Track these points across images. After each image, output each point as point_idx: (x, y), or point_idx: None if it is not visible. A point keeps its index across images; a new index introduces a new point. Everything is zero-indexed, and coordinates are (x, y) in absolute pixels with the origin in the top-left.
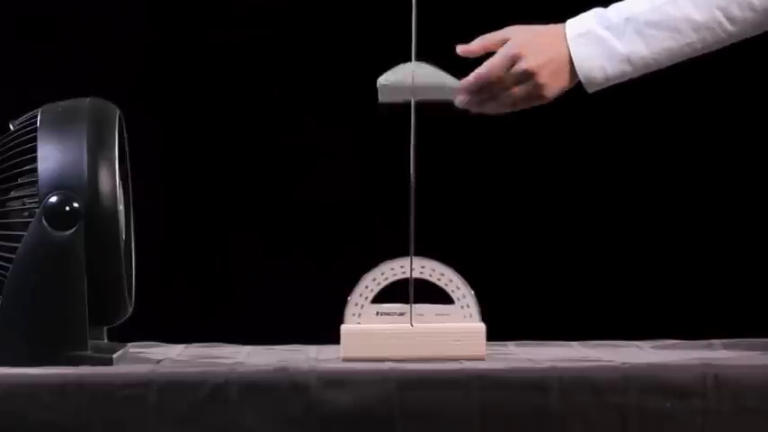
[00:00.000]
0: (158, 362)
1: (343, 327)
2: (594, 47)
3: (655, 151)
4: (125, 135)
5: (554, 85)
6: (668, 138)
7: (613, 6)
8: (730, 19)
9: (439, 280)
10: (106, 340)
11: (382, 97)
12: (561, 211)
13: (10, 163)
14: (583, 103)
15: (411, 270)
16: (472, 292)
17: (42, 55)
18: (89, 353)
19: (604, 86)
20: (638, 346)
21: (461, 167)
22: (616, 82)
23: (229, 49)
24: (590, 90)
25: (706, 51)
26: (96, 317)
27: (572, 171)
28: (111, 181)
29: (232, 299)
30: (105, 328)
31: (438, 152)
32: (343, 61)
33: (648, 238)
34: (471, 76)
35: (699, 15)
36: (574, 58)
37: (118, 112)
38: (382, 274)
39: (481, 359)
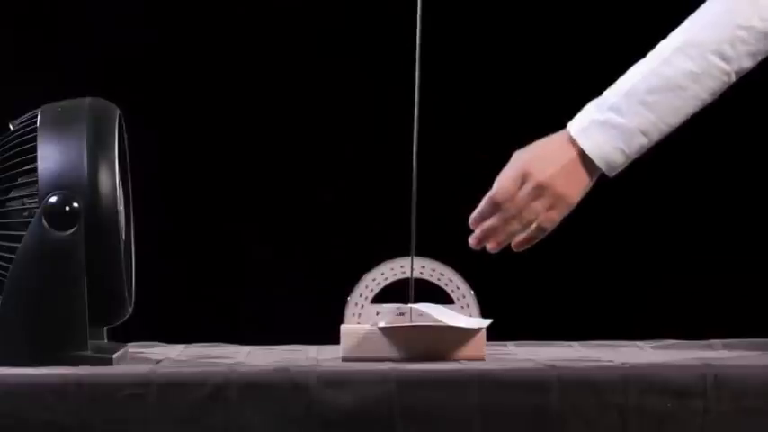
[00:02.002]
0: (158, 362)
1: (343, 327)
2: (603, 134)
3: (655, 152)
4: (125, 135)
5: (573, 189)
6: (668, 138)
7: (608, 89)
8: (725, 59)
9: (439, 280)
10: (106, 340)
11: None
12: None
13: (10, 163)
14: (583, 103)
15: (411, 270)
16: (472, 292)
17: (42, 55)
18: (89, 353)
19: (625, 166)
20: (638, 346)
21: (462, 168)
22: (637, 156)
23: (229, 49)
24: (611, 174)
25: (714, 97)
26: (96, 317)
27: None
28: (111, 181)
29: (232, 299)
30: (105, 328)
31: (439, 152)
32: (344, 61)
33: (648, 239)
34: (479, 206)
35: (695, 66)
36: (588, 153)
37: (118, 112)
38: (382, 274)
39: (481, 359)
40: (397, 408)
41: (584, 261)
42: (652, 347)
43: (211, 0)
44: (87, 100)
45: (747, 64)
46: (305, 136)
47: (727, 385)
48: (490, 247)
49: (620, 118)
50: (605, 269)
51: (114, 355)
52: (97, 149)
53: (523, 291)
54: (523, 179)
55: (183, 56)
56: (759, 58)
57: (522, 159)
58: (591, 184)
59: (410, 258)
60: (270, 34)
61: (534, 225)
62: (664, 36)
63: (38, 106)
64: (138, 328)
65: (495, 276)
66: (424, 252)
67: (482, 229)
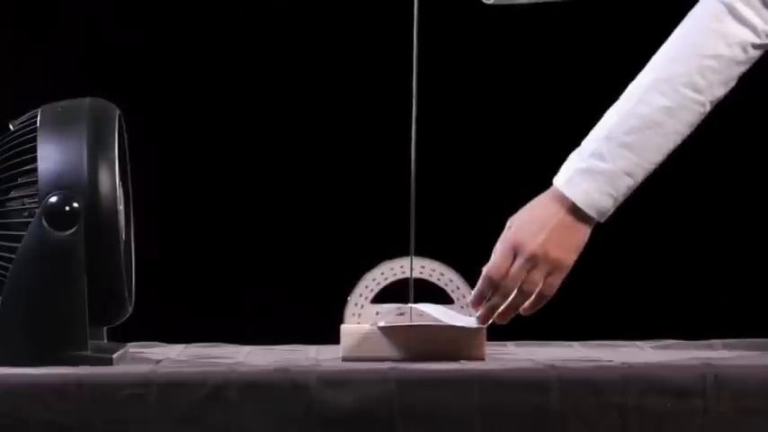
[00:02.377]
0: (158, 362)
1: (343, 327)
2: (588, 181)
3: None
4: (125, 135)
5: (567, 252)
6: None
7: (587, 138)
8: (698, 90)
9: (439, 280)
10: (106, 340)
11: None
12: None
13: (10, 163)
14: (583, 103)
15: (411, 270)
16: (472, 292)
17: (42, 55)
18: (89, 353)
19: (614, 209)
20: (638, 346)
21: (462, 167)
22: (625, 198)
23: (229, 49)
24: (602, 220)
25: (692, 129)
26: (96, 317)
27: None
28: (111, 181)
29: (232, 299)
30: (105, 328)
31: (439, 152)
32: (344, 60)
33: (648, 238)
34: (477, 286)
35: (669, 101)
36: (577, 202)
37: (118, 112)
38: (382, 273)
39: (481, 359)
40: (397, 408)
41: (584, 261)
42: (652, 347)
43: (212, 0)
44: (87, 100)
45: (720, 92)
46: (305, 136)
47: (727, 385)
48: (498, 322)
49: (603, 163)
50: (605, 269)
51: (114, 355)
52: (97, 149)
53: None
54: (515, 251)
55: (183, 56)
56: (732, 84)
57: (513, 230)
58: (586, 237)
59: (410, 258)
60: (270, 34)
61: (535, 294)
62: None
63: (38, 106)
64: (138, 328)
65: None
66: (424, 252)
67: (485, 308)
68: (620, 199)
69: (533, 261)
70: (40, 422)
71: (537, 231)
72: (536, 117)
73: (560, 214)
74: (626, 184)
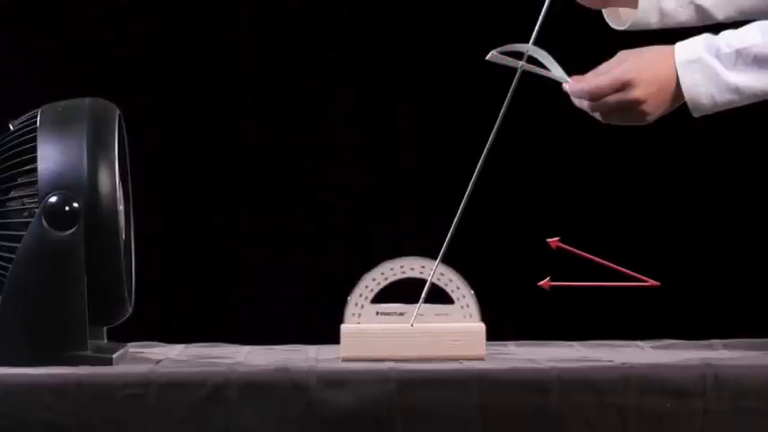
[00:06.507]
0: (158, 362)
1: (342, 327)
2: (703, 75)
3: (655, 151)
4: (125, 135)
5: (655, 113)
6: (668, 138)
7: (724, 35)
8: None
9: (438, 280)
10: (106, 340)
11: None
12: (561, 212)
13: (10, 163)
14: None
15: (433, 272)
16: (472, 292)
17: (42, 55)
18: (89, 353)
19: (710, 113)
20: (638, 346)
21: (461, 168)
22: (723, 109)
23: (229, 49)
24: (696, 115)
25: None
26: (96, 317)
27: (572, 171)
28: (111, 181)
29: (232, 299)
30: (105, 328)
31: (439, 152)
32: (344, 59)
33: (648, 239)
34: (576, 87)
35: None
36: (682, 84)
37: (118, 112)
38: (382, 274)
39: (481, 359)
40: (397, 408)
41: (584, 261)
42: (652, 347)
43: (211, 1)
44: (87, 100)
45: None
46: (305, 136)
47: (727, 385)
48: None
49: (724, 70)
50: (605, 269)
51: (114, 355)
52: (97, 149)
53: (524, 291)
54: (624, 86)
55: (183, 56)
56: None
57: (630, 69)
58: (666, 113)
59: (411, 258)
60: (270, 34)
61: (597, 115)
62: None
63: (38, 106)
64: (138, 328)
65: (495, 276)
66: (423, 252)
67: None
68: (718, 108)
69: (631, 104)
70: (40, 422)
71: (651, 83)
72: (537, 117)
73: (671, 78)
74: (731, 99)
